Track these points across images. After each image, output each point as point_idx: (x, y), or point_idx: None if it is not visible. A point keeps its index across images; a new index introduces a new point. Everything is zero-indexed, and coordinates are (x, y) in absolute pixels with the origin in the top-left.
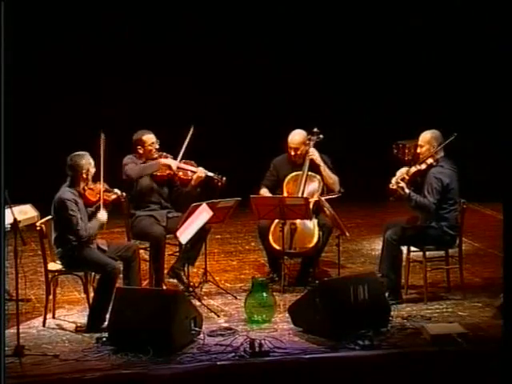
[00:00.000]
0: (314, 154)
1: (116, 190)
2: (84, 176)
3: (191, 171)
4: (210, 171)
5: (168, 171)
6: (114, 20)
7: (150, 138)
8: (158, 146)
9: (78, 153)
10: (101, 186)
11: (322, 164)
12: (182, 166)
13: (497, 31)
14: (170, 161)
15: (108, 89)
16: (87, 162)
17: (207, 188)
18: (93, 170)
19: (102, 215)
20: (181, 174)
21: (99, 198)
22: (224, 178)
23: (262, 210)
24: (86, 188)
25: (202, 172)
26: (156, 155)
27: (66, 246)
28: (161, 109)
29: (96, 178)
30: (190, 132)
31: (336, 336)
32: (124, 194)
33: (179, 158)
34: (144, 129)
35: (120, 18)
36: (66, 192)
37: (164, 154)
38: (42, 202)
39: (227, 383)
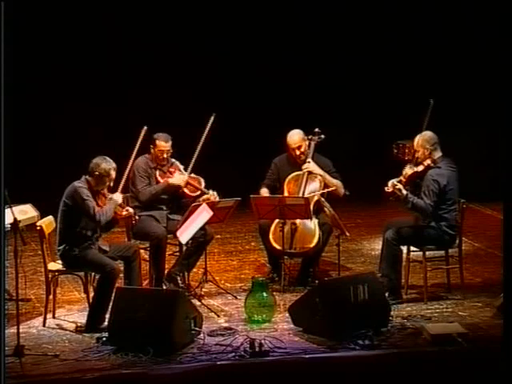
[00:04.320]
0: (309, 166)
1: (129, 208)
2: (99, 179)
3: (197, 188)
4: (209, 188)
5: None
6: (119, 21)
7: (162, 145)
8: (166, 155)
9: (104, 156)
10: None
11: (321, 173)
12: (191, 182)
13: (497, 29)
14: (179, 180)
15: (108, 90)
16: (107, 168)
17: None
18: (110, 181)
19: (118, 196)
20: (187, 189)
21: None
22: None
23: (262, 209)
24: (100, 192)
25: (214, 197)
26: (165, 162)
27: (68, 242)
28: (161, 109)
29: (114, 191)
30: (210, 121)
31: (336, 336)
32: (137, 217)
33: (189, 170)
34: (155, 130)
35: (126, 20)
36: (79, 182)
37: (175, 163)
38: (42, 202)
39: (227, 383)
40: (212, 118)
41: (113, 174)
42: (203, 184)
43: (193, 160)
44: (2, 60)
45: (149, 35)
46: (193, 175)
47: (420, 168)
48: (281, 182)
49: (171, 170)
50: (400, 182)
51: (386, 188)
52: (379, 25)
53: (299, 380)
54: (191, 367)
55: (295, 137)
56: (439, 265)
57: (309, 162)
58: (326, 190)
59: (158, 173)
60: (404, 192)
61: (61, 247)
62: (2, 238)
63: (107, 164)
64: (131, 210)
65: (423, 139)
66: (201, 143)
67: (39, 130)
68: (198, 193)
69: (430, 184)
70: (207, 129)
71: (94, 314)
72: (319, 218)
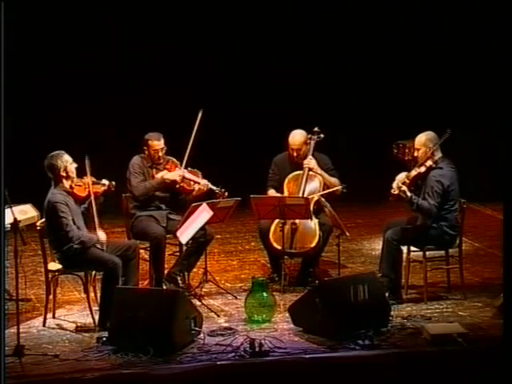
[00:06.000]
0: (311, 163)
1: (104, 181)
2: (64, 174)
3: (194, 182)
4: (213, 184)
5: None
6: (119, 21)
7: (156, 144)
8: (161, 154)
9: (52, 153)
10: (88, 179)
11: (319, 172)
12: (187, 176)
13: (497, 30)
14: (174, 175)
15: (108, 90)
16: (63, 160)
17: (210, 199)
18: (72, 167)
19: (101, 235)
20: (184, 184)
21: (89, 191)
22: (226, 193)
23: (262, 209)
24: (73, 185)
25: (204, 185)
26: (161, 160)
27: (62, 248)
28: (160, 109)
29: (82, 173)
30: (198, 118)
31: (336, 336)
32: (113, 182)
33: (184, 164)
34: (154, 130)
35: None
36: (55, 194)
37: (170, 159)
38: (41, 202)
39: (227, 383)
40: (200, 115)
41: (71, 164)
42: (201, 177)
43: (186, 155)
44: (1, 60)
45: (149, 35)
46: (190, 169)
47: (422, 169)
48: (281, 182)
49: (167, 166)
50: (404, 183)
51: (392, 190)
52: (379, 25)
53: (299, 380)
54: (191, 367)
55: (297, 137)
56: (439, 265)
57: (310, 159)
58: (328, 191)
59: (154, 171)
60: (409, 194)
61: (57, 252)
62: (2, 238)
63: (62, 160)
64: (106, 181)
65: (427, 138)
66: (192, 138)
67: (39, 129)
68: (196, 186)
69: (434, 185)
70: (196, 125)
71: (105, 310)
72: (319, 218)
